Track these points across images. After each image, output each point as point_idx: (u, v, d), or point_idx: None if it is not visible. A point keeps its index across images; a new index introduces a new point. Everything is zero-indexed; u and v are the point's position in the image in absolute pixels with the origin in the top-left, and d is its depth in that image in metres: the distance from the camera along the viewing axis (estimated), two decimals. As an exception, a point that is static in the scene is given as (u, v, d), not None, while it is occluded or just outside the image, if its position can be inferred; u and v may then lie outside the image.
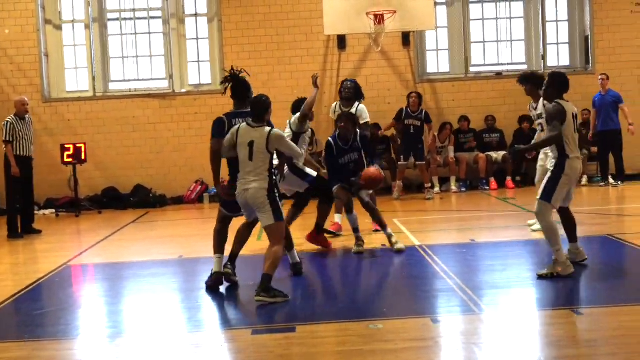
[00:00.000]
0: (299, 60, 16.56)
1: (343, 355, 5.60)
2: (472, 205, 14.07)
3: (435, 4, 16.55)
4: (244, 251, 8.04)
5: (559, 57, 17.28)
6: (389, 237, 9.35)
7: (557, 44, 17.38)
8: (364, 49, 16.68)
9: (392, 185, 15.31)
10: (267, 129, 7.42)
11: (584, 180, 15.76)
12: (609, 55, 16.92)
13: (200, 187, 16.45)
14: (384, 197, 14.54)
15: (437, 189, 15.58)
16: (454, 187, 15.90)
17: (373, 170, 9.33)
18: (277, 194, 7.43)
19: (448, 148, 16.19)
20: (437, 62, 17.34)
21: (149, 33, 17.18)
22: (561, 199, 7.68)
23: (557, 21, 17.40)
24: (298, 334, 6.14)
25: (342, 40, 16.65)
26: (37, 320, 7.08)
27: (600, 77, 15.70)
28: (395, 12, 15.51)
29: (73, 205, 15.55)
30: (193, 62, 17.14)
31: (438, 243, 9.99)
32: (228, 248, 7.94)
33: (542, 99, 9.58)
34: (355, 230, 9.51)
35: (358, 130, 9.71)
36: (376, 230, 10.42)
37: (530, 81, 9.54)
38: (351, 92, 10.59)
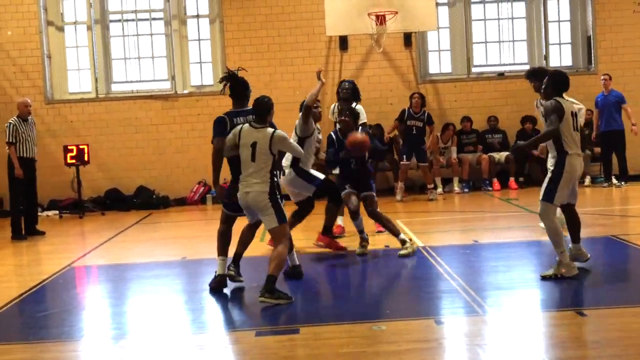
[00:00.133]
0: (301, 61, 16.56)
1: (347, 356, 5.59)
2: (475, 206, 14.07)
3: (437, 4, 16.52)
4: (248, 252, 8.03)
5: (561, 57, 17.26)
6: (402, 242, 9.26)
7: (560, 44, 17.36)
8: (365, 50, 16.68)
9: (395, 186, 15.30)
10: (270, 130, 7.43)
11: (587, 180, 15.75)
12: (612, 55, 16.91)
13: (203, 188, 16.46)
14: (386, 198, 14.56)
15: (439, 190, 15.58)
16: (456, 188, 15.89)
17: (359, 135, 9.25)
18: (278, 196, 7.44)
19: (451, 149, 16.18)
20: (439, 62, 17.33)
21: (151, 34, 17.18)
22: (564, 198, 7.65)
23: (559, 21, 17.39)
24: (302, 336, 6.14)
25: (343, 41, 16.65)
26: (41, 322, 7.08)
27: (602, 77, 15.69)
28: (396, 12, 15.51)
29: (76, 207, 15.56)
30: (195, 63, 17.15)
31: (441, 244, 9.99)
32: (232, 249, 7.94)
33: None
34: (361, 231, 9.50)
35: (360, 127, 9.68)
36: (379, 232, 10.43)
37: (539, 77, 9.19)
38: (349, 93, 10.55)
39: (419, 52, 16.98)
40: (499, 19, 17.41)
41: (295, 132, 9.26)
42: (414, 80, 16.85)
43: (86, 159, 15.27)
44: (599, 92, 15.67)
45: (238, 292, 7.78)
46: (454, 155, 16.10)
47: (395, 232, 9.33)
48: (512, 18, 17.43)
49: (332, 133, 9.69)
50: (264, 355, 5.77)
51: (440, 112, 16.71)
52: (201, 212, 15.60)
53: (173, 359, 5.89)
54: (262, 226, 7.81)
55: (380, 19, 15.55)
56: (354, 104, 10.48)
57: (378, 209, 9.61)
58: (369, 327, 6.20)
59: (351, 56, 16.80)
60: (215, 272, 7.87)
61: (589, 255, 7.96)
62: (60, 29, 17.05)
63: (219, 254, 7.91)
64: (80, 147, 15.28)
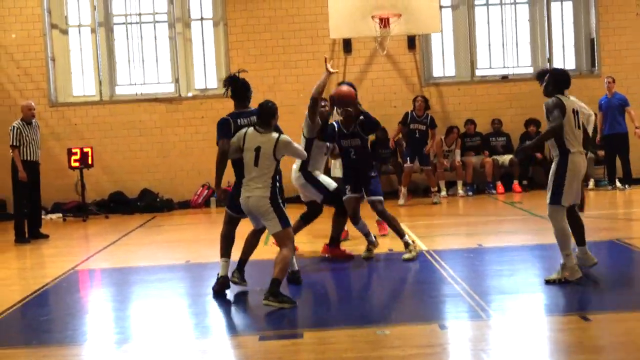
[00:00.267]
0: (305, 64, 16.55)
1: (351, 361, 5.60)
2: (479, 210, 14.06)
3: (441, 7, 16.53)
4: (251, 256, 8.02)
5: (564, 60, 17.24)
6: (405, 245, 9.24)
7: (563, 46, 17.35)
8: (369, 53, 16.69)
9: (399, 189, 15.27)
10: (275, 135, 7.43)
11: (591, 184, 15.73)
12: (615, 57, 16.89)
13: (207, 191, 16.46)
14: (390, 202, 14.47)
15: (443, 193, 15.58)
16: (460, 191, 15.86)
17: (345, 87, 9.19)
18: (280, 200, 7.43)
19: (455, 152, 16.16)
20: (443, 65, 17.32)
21: (155, 37, 17.20)
22: (572, 197, 7.56)
23: (562, 24, 17.37)
24: (305, 340, 6.14)
25: (347, 44, 16.66)
26: (44, 325, 7.10)
27: (606, 80, 15.66)
28: (400, 15, 15.51)
29: (80, 210, 15.58)
30: (199, 66, 17.16)
31: (445, 248, 9.98)
32: (235, 253, 7.93)
33: (570, 97, 9.55)
34: (367, 234, 9.46)
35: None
36: (383, 235, 10.42)
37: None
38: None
39: (423, 55, 16.98)
40: (502, 21, 17.41)
41: (303, 135, 9.23)
42: (418, 83, 16.84)
43: (90, 162, 15.27)
44: (603, 95, 15.64)
45: (242, 296, 7.78)
46: (458, 158, 16.08)
47: (400, 233, 9.27)
48: (516, 21, 17.41)
49: (334, 122, 9.58)
50: (268, 360, 5.77)
51: (444, 115, 16.70)
52: (205, 215, 15.59)
53: (176, 363, 5.90)
54: (266, 230, 7.80)
55: (384, 22, 15.55)
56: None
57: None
58: (373, 331, 6.20)
59: (355, 59, 16.80)
60: (218, 274, 7.87)
61: (595, 260, 7.85)
62: (64, 32, 17.07)
63: (222, 256, 7.91)
64: (84, 150, 15.28)
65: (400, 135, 15.67)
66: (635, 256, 9.08)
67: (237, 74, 7.98)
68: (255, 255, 8.08)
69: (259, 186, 7.33)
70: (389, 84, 16.76)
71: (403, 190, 14.90)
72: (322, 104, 9.18)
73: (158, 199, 16.35)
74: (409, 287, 8.36)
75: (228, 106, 8.22)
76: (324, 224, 9.93)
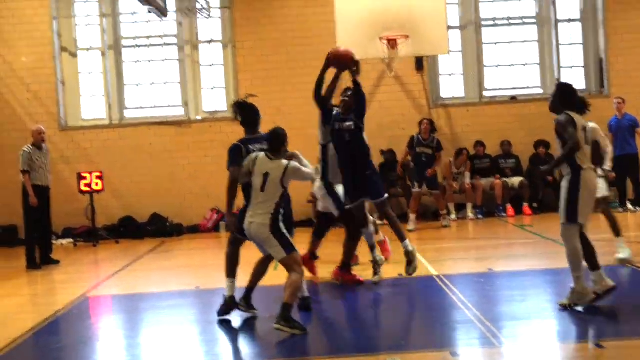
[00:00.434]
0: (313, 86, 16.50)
1: (362, 391, 5.58)
2: (490, 233, 14.01)
3: (448, 27, 16.54)
4: (262, 282, 8.01)
5: (573, 80, 17.20)
6: (406, 254, 9.16)
7: (572, 67, 17.35)
8: (377, 74, 16.67)
9: (408, 213, 15.16)
10: (285, 162, 7.43)
11: (602, 206, 15.60)
12: (624, 78, 16.87)
13: (216, 215, 16.45)
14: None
15: (453, 216, 15.53)
16: (470, 214, 15.80)
17: (343, 48, 9.17)
18: (282, 228, 7.40)
19: (464, 174, 16.09)
20: (452, 86, 17.32)
21: (164, 60, 17.28)
22: (588, 215, 7.44)
23: (571, 44, 17.38)
24: (316, 369, 6.13)
25: (357, 67, 16.61)
26: (55, 354, 7.10)
27: (616, 100, 15.62)
28: (408, 36, 15.49)
29: (91, 235, 15.59)
30: (208, 88, 17.22)
31: (455, 272, 9.96)
32: (244, 278, 7.90)
33: (589, 123, 9.55)
34: (372, 248, 9.37)
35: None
36: (385, 259, 10.39)
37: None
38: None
39: (431, 76, 16.99)
40: (510, 42, 17.43)
41: (319, 142, 9.21)
42: (426, 105, 16.85)
43: (100, 187, 15.30)
44: (612, 116, 15.61)
45: (251, 323, 7.77)
46: (468, 180, 16.01)
47: (401, 236, 9.17)
48: (524, 41, 17.43)
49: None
50: (279, 389, 5.75)
51: (452, 137, 16.70)
52: (214, 240, 15.55)
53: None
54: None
55: (392, 43, 15.54)
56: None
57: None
58: (383, 359, 6.17)
59: (363, 80, 16.29)
60: (224, 295, 7.84)
61: (613, 283, 7.53)
62: (74, 55, 17.17)
63: (228, 276, 7.90)
64: (95, 174, 15.30)
65: (409, 158, 15.46)
66: (648, 280, 9.02)
67: (245, 99, 7.99)
68: (265, 282, 8.06)
69: (261, 212, 7.32)
70: (397, 105, 16.76)
71: (412, 216, 14.65)
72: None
73: (168, 224, 16.36)
74: (420, 313, 8.32)
75: (237, 129, 8.21)
76: (332, 249, 9.92)
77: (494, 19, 17.47)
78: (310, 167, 7.78)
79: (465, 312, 7.62)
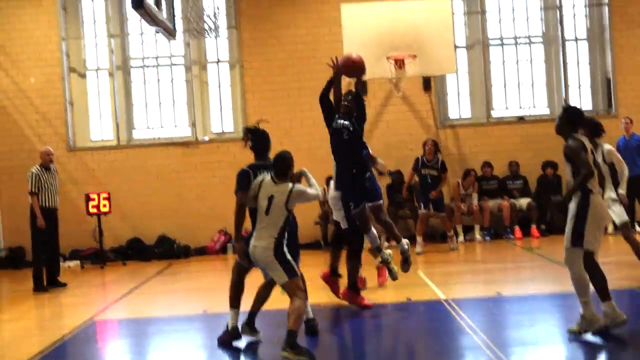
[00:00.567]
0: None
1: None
2: (497, 256, 13.90)
3: (455, 47, 16.55)
4: (265, 306, 7.98)
5: (581, 100, 17.18)
6: (402, 254, 9.32)
7: (579, 87, 17.32)
8: (385, 94, 16.69)
9: (415, 235, 15.03)
10: (289, 185, 7.45)
11: (610, 228, 15.47)
12: (632, 98, 16.83)
13: (224, 237, 16.43)
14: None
15: (461, 238, 15.43)
16: (478, 236, 15.68)
17: (355, 54, 9.29)
18: (285, 252, 7.38)
19: (472, 195, 15.99)
20: (459, 106, 17.31)
21: (172, 80, 17.33)
22: (596, 241, 7.31)
23: (578, 64, 17.36)
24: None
25: (362, 86, 16.64)
26: (62, 381, 7.09)
27: (624, 120, 15.53)
28: (415, 56, 15.50)
29: (98, 257, 15.57)
30: (215, 109, 17.25)
31: (463, 297, 9.91)
32: (247, 302, 7.87)
33: (605, 144, 9.57)
34: (377, 249, 9.45)
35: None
36: (380, 285, 10.40)
37: (585, 125, 8.17)
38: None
39: (438, 96, 16.99)
40: (517, 62, 17.43)
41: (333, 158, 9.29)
42: (434, 125, 16.82)
43: (107, 209, 15.30)
44: (620, 136, 15.49)
45: (257, 348, 7.75)
46: (475, 202, 15.90)
47: (397, 239, 9.37)
48: (531, 61, 17.43)
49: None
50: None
51: (460, 158, 16.66)
52: (222, 262, 15.51)
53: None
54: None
55: (399, 63, 15.56)
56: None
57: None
58: (391, 387, 6.15)
59: (370, 100, 16.74)
60: (227, 324, 7.81)
61: (625, 316, 7.39)
62: (83, 76, 17.24)
63: (231, 306, 7.88)
64: (102, 195, 15.32)
65: (417, 179, 15.33)
66: (658, 306, 8.94)
67: (257, 125, 8.01)
68: (269, 306, 8.01)
69: (264, 236, 7.33)
70: (404, 126, 16.73)
71: (419, 239, 14.46)
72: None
73: (175, 246, 16.34)
74: (428, 338, 8.26)
75: (245, 151, 8.21)
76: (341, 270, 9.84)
77: (500, 39, 17.47)
78: (316, 186, 7.80)
79: (474, 337, 7.58)
